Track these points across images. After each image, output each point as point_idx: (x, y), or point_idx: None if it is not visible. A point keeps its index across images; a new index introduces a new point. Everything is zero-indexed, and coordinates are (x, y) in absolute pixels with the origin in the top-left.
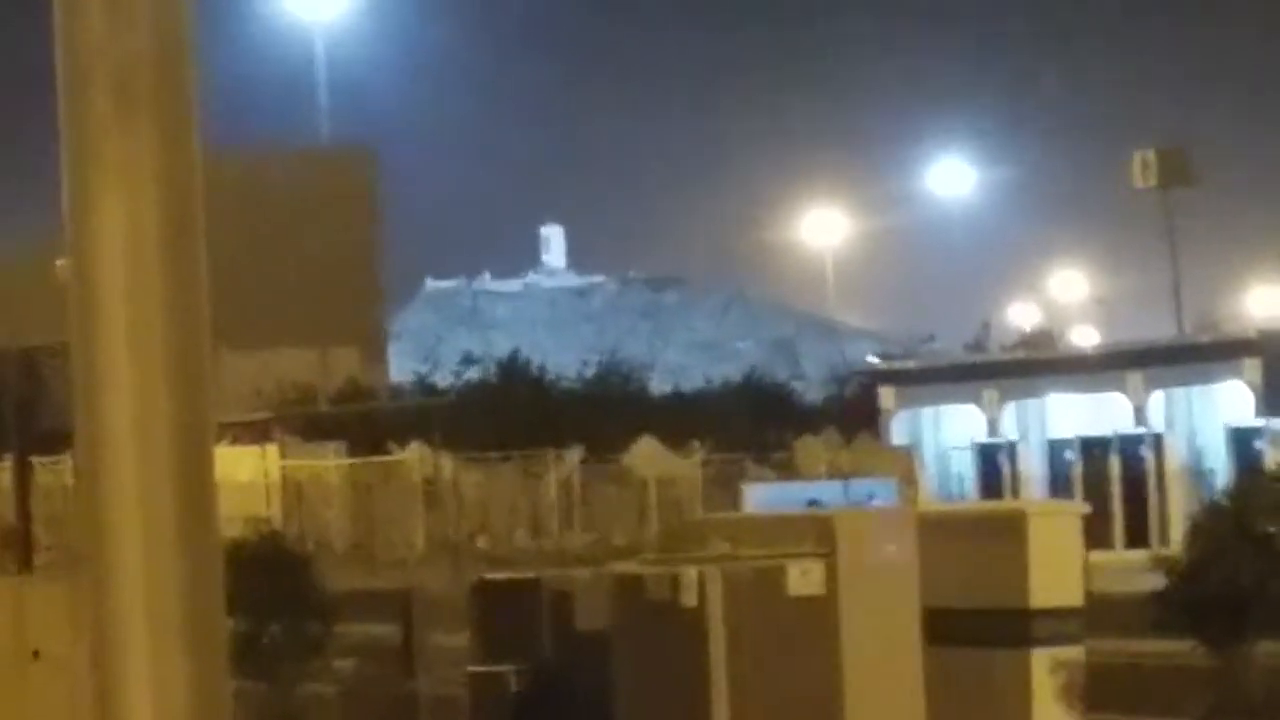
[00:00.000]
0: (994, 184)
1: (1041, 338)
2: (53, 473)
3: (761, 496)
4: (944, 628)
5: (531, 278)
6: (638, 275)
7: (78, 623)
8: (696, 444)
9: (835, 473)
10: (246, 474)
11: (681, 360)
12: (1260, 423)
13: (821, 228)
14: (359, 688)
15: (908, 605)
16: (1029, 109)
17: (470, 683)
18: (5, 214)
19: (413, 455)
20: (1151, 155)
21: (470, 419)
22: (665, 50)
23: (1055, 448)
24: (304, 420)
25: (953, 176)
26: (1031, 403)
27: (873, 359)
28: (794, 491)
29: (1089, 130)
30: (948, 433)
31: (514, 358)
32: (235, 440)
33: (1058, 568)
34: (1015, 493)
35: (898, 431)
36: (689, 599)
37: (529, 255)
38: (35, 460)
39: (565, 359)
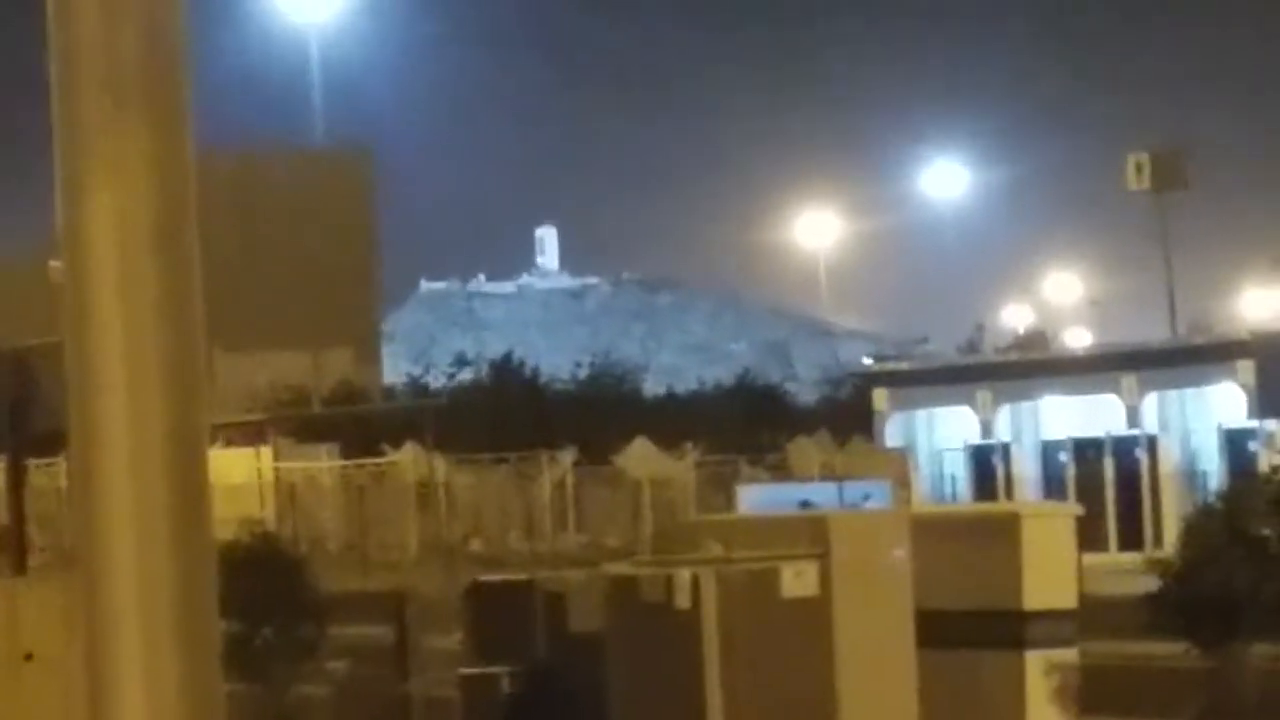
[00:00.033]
0: (988, 186)
1: (1035, 339)
2: (47, 474)
3: (755, 498)
4: (938, 630)
5: (525, 279)
6: (631, 277)
7: (71, 624)
8: (690, 446)
9: (829, 474)
10: (240, 475)
11: (675, 362)
12: (1254, 424)
13: (815, 229)
14: (352, 689)
15: (901, 607)
16: (1024, 111)
17: (463, 685)
18: None
19: (406, 457)
20: (1145, 158)
21: (464, 420)
22: (660, 53)
23: (1049, 449)
24: (297, 422)
25: (947, 178)
26: (1025, 404)
27: (866, 361)
28: (787, 493)
29: (1083, 133)
30: (941, 434)
31: (508, 359)
32: (229, 442)
33: (1051, 570)
34: (1009, 494)
35: (891, 433)
36: (683, 601)
37: (523, 257)
38: (29, 461)
39: (559, 361)
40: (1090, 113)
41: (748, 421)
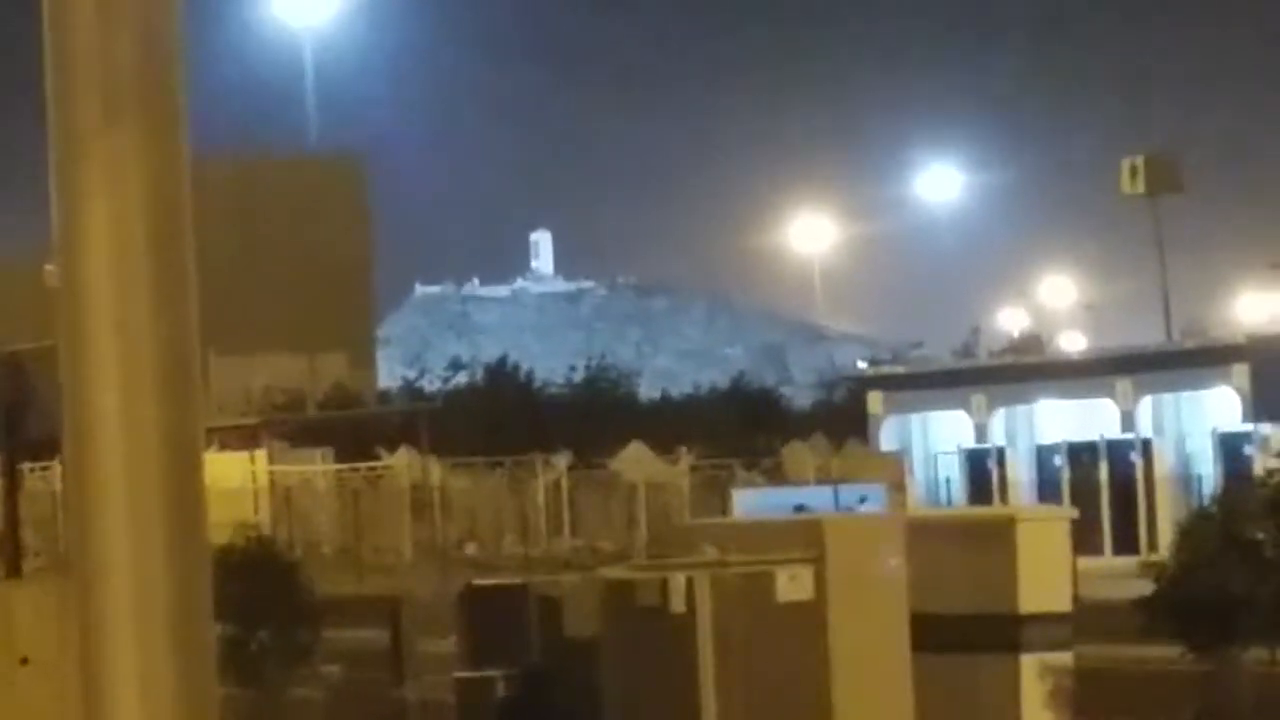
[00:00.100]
0: (983, 189)
1: (1030, 343)
2: (42, 478)
3: (750, 502)
4: (933, 633)
5: (520, 283)
6: (626, 281)
7: (66, 629)
8: (685, 450)
9: (824, 478)
10: (235, 479)
11: (670, 366)
12: (1248, 428)
13: (810, 233)
14: (347, 693)
15: (897, 611)
16: (1018, 115)
17: (458, 688)
18: None
19: (401, 461)
20: (1140, 161)
21: (459, 424)
22: (655, 57)
23: (1044, 453)
24: (292, 426)
25: (941, 182)
26: (1020, 408)
27: (861, 365)
28: (782, 497)
29: (1078, 136)
30: (936, 438)
31: (502, 363)
32: (224, 445)
33: (1046, 573)
34: (1003, 498)
35: (886, 437)
36: (678, 605)
37: (518, 261)
38: (24, 465)
39: (554, 365)
40: (1085, 117)
41: (743, 425)
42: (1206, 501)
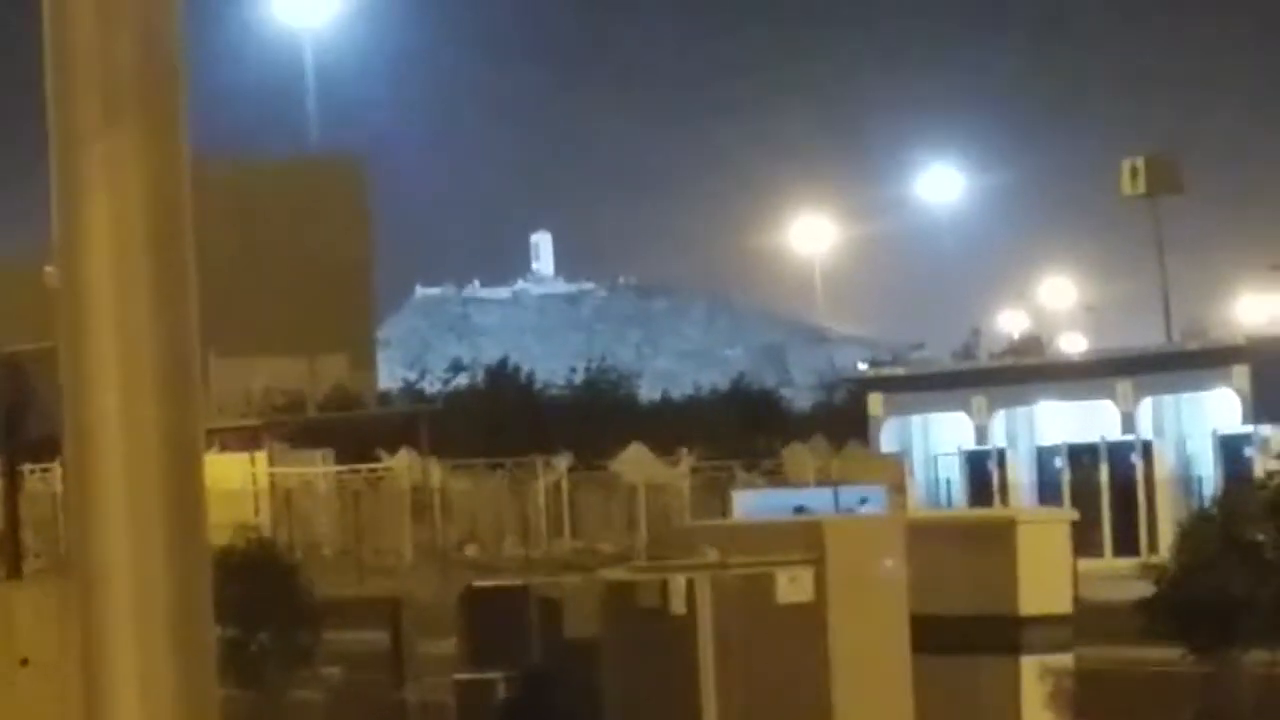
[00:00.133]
0: (983, 191)
1: (1030, 345)
2: (42, 479)
3: (750, 503)
4: (933, 635)
5: (521, 285)
6: (627, 282)
7: (67, 630)
8: (685, 451)
9: (824, 480)
10: (235, 481)
11: (670, 367)
12: (1249, 430)
13: (810, 234)
14: (347, 695)
15: (897, 612)
16: (1019, 116)
17: (459, 690)
18: None
19: (401, 462)
20: (1140, 163)
21: (459, 426)
22: (655, 58)
23: (1044, 455)
24: (293, 427)
25: (942, 183)
26: (1020, 410)
27: (862, 366)
28: (783, 498)
29: (1078, 137)
30: (936, 440)
31: (503, 365)
32: (224, 447)
33: (1047, 575)
34: (1004, 500)
35: (886, 439)
36: (678, 606)
37: (518, 262)
38: (24, 467)
39: (554, 366)
40: (1085, 117)
41: (743, 427)
42: (1207, 503)
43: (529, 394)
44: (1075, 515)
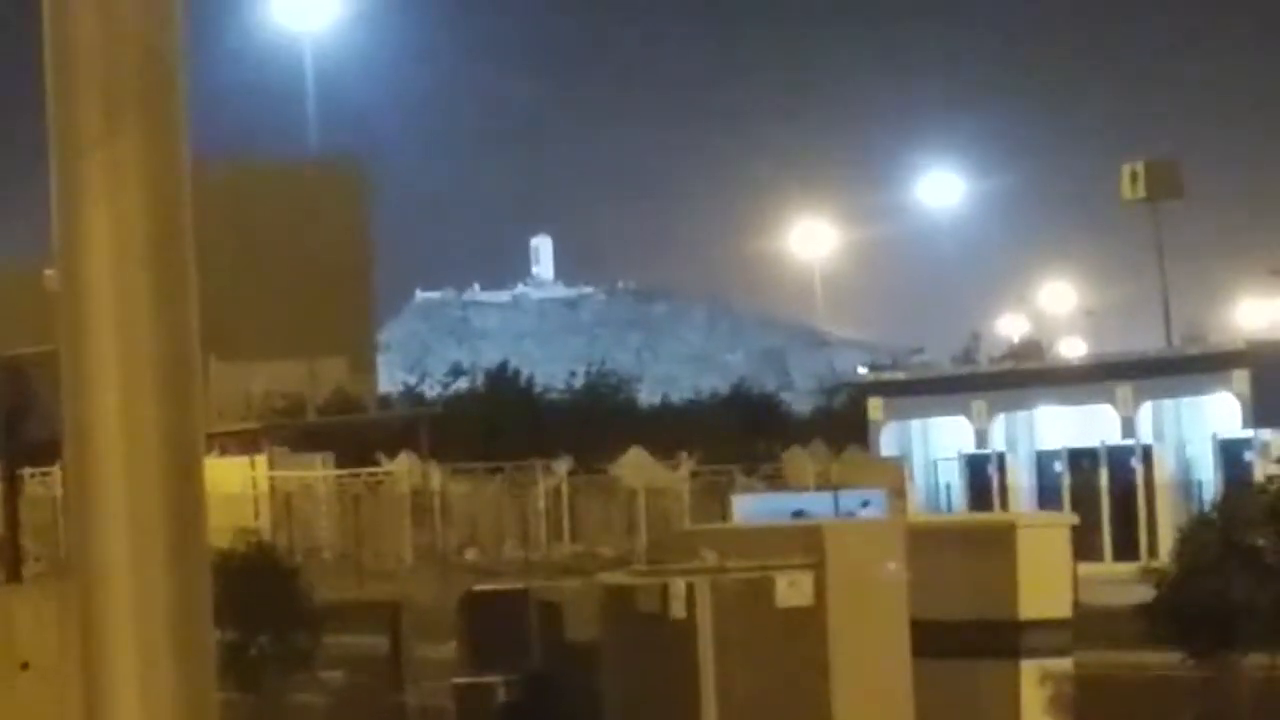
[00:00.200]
0: (983, 195)
1: (1030, 349)
2: (42, 483)
3: (749, 507)
4: (933, 639)
5: (521, 289)
6: (627, 286)
7: (67, 634)
8: (685, 455)
9: (824, 484)
10: (235, 484)
11: (670, 371)
12: (1249, 434)
13: (810, 238)
14: (347, 699)
15: (897, 616)
16: (1019, 120)
17: (458, 694)
18: None
19: (401, 466)
20: (1140, 167)
21: (459, 430)
22: (655, 62)
23: (1044, 459)
24: (292, 431)
25: (942, 187)
26: (1020, 414)
27: (862, 370)
28: (782, 502)
29: (1079, 142)
30: (936, 444)
31: (503, 369)
32: (224, 451)
33: (1046, 579)
34: (1004, 504)
35: (886, 443)
36: (678, 610)
37: (518, 266)
38: (24, 470)
39: (554, 370)
40: (1086, 122)
41: (743, 431)
42: (1207, 507)
43: (529, 398)
44: (1075, 519)
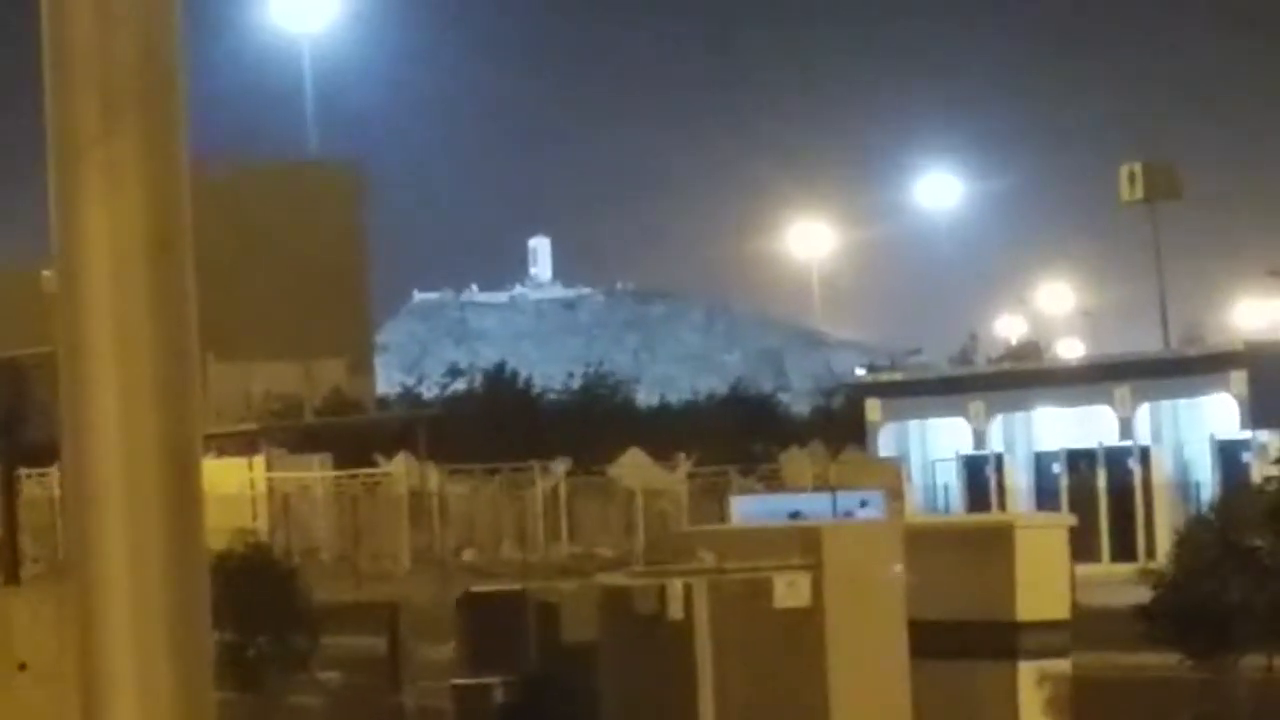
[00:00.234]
0: (982, 196)
1: (1028, 350)
2: (40, 484)
3: (747, 508)
4: (931, 640)
5: (518, 290)
6: (624, 287)
7: (64, 635)
8: (683, 456)
9: (822, 485)
10: (233, 485)
11: (668, 372)
12: (1247, 435)
13: (808, 239)
14: (345, 699)
15: (895, 617)
16: (1017, 121)
17: (456, 695)
18: None
19: (399, 467)
20: (1139, 169)
21: (457, 431)
22: (653, 61)
23: (1042, 460)
24: (290, 432)
25: (940, 188)
26: (1018, 415)
27: (859, 371)
28: (780, 503)
29: (1077, 143)
30: (934, 445)
31: (501, 370)
32: (221, 452)
33: (1044, 580)
34: (1002, 505)
35: (884, 444)
36: (676, 611)
37: (516, 267)
38: (22, 471)
39: (552, 371)
40: (1084, 123)
41: (741, 432)
42: (1205, 509)
43: (527, 399)
44: (1073, 520)
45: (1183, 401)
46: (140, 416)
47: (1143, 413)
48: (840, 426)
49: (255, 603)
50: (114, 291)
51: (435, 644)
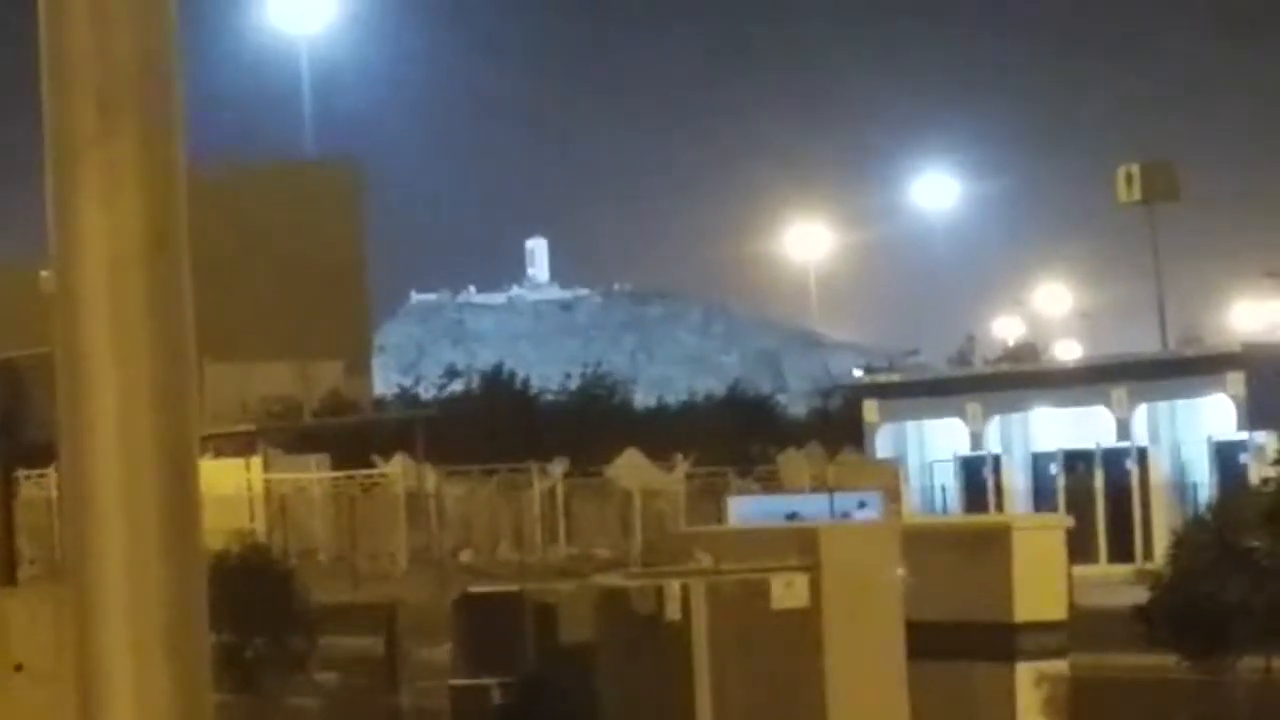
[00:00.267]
0: (979, 197)
1: (1025, 351)
2: (37, 485)
3: (745, 509)
4: (928, 641)
5: (516, 291)
6: (622, 288)
7: (61, 636)
8: (680, 457)
9: (819, 486)
10: (230, 486)
11: (665, 373)
12: (1244, 436)
13: (806, 240)
14: (343, 700)
15: (892, 618)
16: (1015, 122)
17: (453, 696)
18: None
19: (396, 468)
20: (1136, 169)
21: (454, 432)
22: (651, 64)
23: (1039, 461)
24: (288, 433)
25: (937, 189)
26: (1015, 416)
27: (857, 372)
28: (777, 505)
29: (1074, 144)
30: (931, 446)
31: (498, 371)
32: (218, 453)
33: (1042, 581)
34: (999, 506)
35: (881, 445)
36: (673, 612)
37: (514, 268)
38: (19, 473)
39: (549, 372)
40: (1081, 124)
41: (738, 433)
42: (1202, 510)
43: (524, 400)
44: (1070, 521)
45: (1180, 403)
46: (138, 417)
47: (1140, 414)
48: (838, 428)
49: (253, 603)
50: (111, 292)
51: (432, 645)
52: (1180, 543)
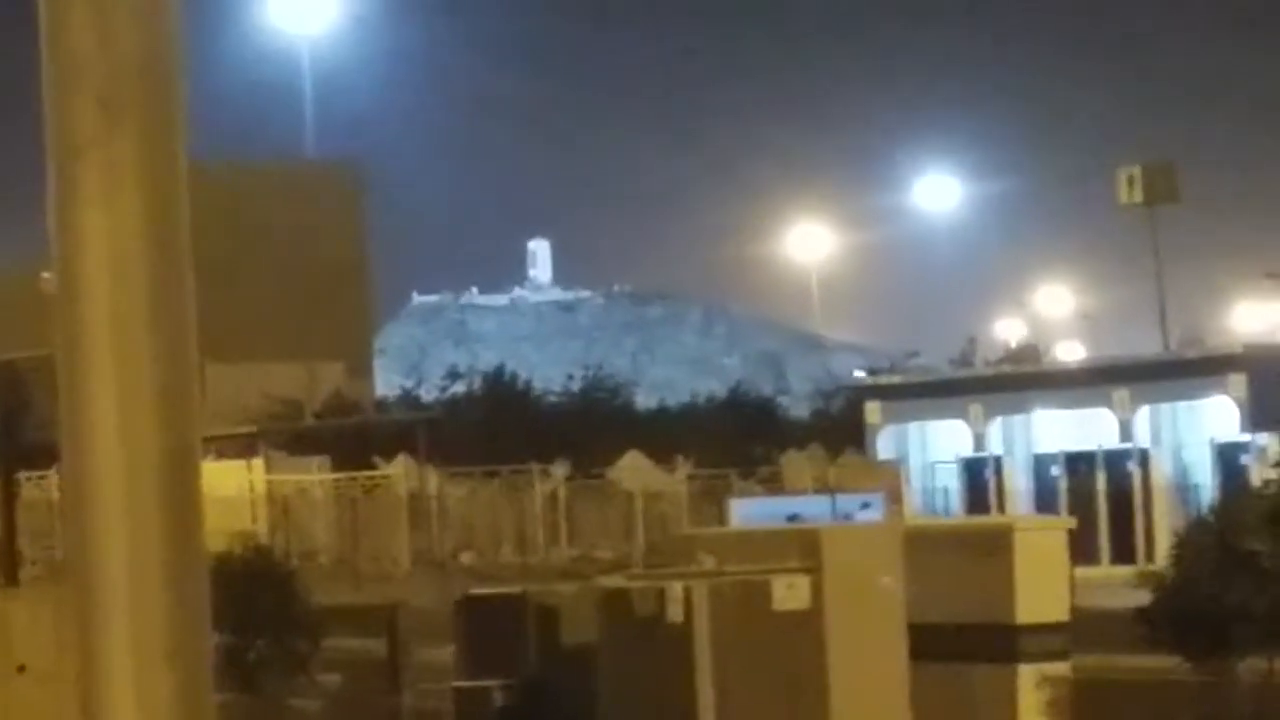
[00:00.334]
0: (981, 199)
1: (1027, 353)
2: (38, 487)
3: (746, 511)
4: (930, 643)
5: (518, 292)
6: (624, 290)
7: (63, 637)
8: (682, 459)
9: (821, 488)
10: (232, 488)
11: (667, 375)
12: (1246, 438)
13: (807, 242)
14: (344, 702)
15: (894, 620)
16: (1016, 124)
17: (455, 697)
18: None
19: (398, 470)
20: (1138, 171)
21: (456, 434)
22: (651, 65)
23: (1041, 463)
24: (289, 434)
25: (939, 191)
26: (1017, 418)
27: (859, 374)
28: (779, 506)
29: (1075, 146)
30: (933, 448)
31: (500, 372)
32: (220, 454)
33: (1044, 583)
34: (1001, 508)
35: (884, 446)
36: (675, 614)
37: (515, 270)
38: (20, 474)
39: (551, 373)
40: (1083, 126)
41: (740, 435)
42: (1204, 511)
43: (526, 401)
44: (1072, 523)
45: (1182, 404)
46: (139, 419)
47: (1142, 415)
48: (839, 429)
49: (255, 605)
50: (113, 293)
51: (434, 647)
52: (1182, 544)
